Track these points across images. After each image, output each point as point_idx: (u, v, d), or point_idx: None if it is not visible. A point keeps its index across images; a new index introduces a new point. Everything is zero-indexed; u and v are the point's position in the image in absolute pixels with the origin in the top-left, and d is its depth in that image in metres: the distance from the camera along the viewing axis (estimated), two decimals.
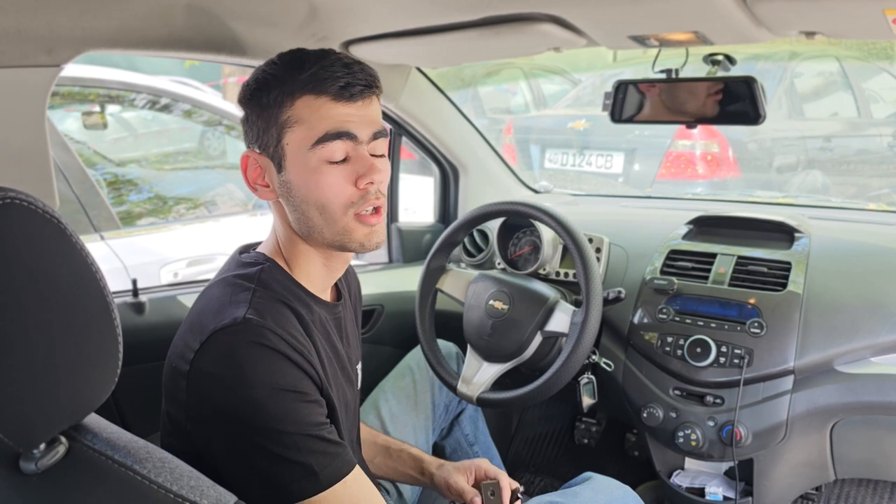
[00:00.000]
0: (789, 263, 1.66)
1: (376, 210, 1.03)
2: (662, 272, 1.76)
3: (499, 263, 1.93)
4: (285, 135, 0.98)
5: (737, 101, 1.53)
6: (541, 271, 1.88)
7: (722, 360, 1.59)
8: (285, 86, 0.97)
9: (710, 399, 1.61)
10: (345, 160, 0.99)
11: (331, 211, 1.00)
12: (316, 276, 1.08)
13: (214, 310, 0.97)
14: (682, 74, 1.59)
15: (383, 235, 1.06)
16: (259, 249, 1.10)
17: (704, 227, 1.91)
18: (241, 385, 0.90)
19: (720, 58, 1.54)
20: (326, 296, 1.11)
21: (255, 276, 1.02)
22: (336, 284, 1.18)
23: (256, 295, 0.98)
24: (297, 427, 0.92)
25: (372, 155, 1.02)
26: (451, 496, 1.29)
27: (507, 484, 1.27)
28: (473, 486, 1.28)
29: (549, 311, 1.65)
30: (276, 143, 0.99)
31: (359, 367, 1.22)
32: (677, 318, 1.67)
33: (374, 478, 1.30)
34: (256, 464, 0.91)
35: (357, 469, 0.99)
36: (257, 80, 1.00)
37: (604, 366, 1.71)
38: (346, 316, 1.16)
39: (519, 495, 1.27)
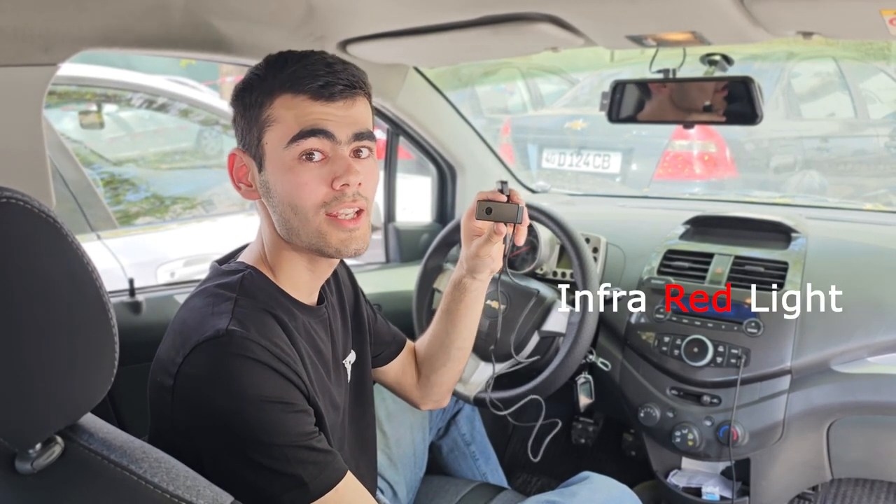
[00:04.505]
0: (786, 263, 1.67)
1: (357, 214, 1.00)
2: (660, 272, 1.76)
3: None
4: (265, 134, 0.98)
5: (734, 101, 1.53)
6: (538, 271, 1.88)
7: (719, 359, 1.59)
8: (265, 85, 0.97)
9: (707, 399, 1.61)
10: (323, 161, 0.97)
11: (303, 211, 0.98)
12: (301, 281, 1.06)
13: (196, 321, 0.95)
14: (679, 74, 1.59)
15: (364, 242, 1.02)
16: (241, 258, 1.08)
17: (702, 227, 1.92)
18: (227, 398, 0.89)
19: (717, 58, 1.55)
20: (312, 300, 1.09)
21: (237, 284, 1.00)
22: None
23: (239, 304, 0.96)
24: (286, 438, 0.91)
25: (356, 157, 1.00)
26: (484, 247, 1.21)
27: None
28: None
29: (547, 311, 1.65)
30: (258, 143, 0.99)
31: (349, 359, 1.20)
32: (674, 318, 1.67)
33: (371, 477, 1.30)
34: (246, 476, 0.90)
35: (349, 476, 0.98)
36: (244, 81, 1.01)
37: (601, 365, 1.72)
38: (331, 314, 1.15)
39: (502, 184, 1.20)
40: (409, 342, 1.41)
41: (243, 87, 1.00)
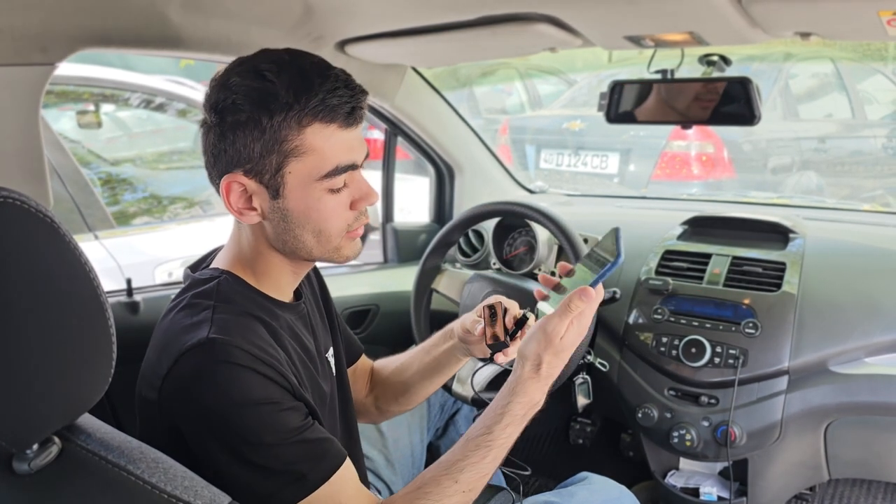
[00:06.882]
0: (784, 264, 1.67)
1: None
2: (657, 272, 1.76)
3: (494, 263, 1.93)
4: (289, 163, 0.93)
5: (732, 102, 1.53)
6: (536, 271, 1.88)
7: (717, 360, 1.59)
8: (292, 111, 0.90)
9: (704, 399, 1.61)
10: (345, 186, 0.99)
11: (327, 235, 0.99)
12: (282, 283, 1.07)
13: (176, 332, 0.95)
14: (677, 75, 1.59)
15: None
16: (215, 262, 1.07)
17: (699, 227, 1.92)
18: (214, 405, 0.89)
19: (715, 58, 1.55)
20: (289, 297, 1.10)
21: (213, 291, 0.99)
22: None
23: (217, 311, 0.95)
24: (278, 437, 0.91)
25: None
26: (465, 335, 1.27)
27: (512, 306, 1.24)
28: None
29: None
30: (276, 171, 0.94)
31: (330, 353, 1.20)
32: (672, 319, 1.67)
33: (361, 469, 1.30)
34: (243, 478, 0.90)
35: (347, 461, 0.98)
36: (249, 95, 0.90)
37: (599, 366, 1.72)
38: (310, 310, 1.15)
39: (527, 315, 1.22)
40: (364, 357, 1.41)
41: (254, 103, 0.90)
